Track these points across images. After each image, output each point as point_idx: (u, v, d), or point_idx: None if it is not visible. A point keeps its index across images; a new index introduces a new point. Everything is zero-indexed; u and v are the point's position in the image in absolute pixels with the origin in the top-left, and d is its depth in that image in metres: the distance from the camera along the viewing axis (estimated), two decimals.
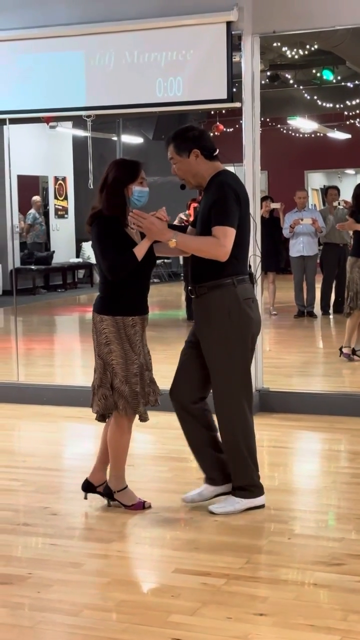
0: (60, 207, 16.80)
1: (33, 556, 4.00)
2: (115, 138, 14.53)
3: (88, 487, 4.64)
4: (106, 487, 4.60)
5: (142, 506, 4.54)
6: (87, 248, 16.52)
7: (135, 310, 4.46)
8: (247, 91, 6.53)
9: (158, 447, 5.89)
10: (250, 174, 6.51)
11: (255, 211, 6.37)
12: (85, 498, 4.62)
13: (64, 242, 16.71)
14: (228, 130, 14.41)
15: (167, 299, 15.38)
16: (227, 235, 4.25)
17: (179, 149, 4.41)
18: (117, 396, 4.40)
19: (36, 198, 16.05)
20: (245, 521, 4.36)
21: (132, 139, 16.81)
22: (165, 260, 16.40)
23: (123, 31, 6.66)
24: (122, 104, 6.86)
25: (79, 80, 6.83)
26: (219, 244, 4.25)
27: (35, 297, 14.66)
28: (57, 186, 16.74)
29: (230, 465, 4.52)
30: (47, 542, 4.15)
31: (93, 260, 16.35)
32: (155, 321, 12.63)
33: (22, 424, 6.64)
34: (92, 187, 8.07)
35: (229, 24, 6.39)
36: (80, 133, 14.16)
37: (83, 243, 16.56)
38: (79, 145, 14.67)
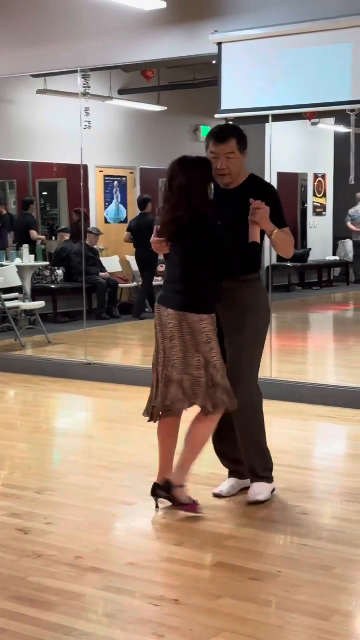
0: (318, 205, 16.66)
1: (283, 555, 3.96)
2: None
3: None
4: (166, 482, 4.48)
5: (195, 508, 4.42)
6: (344, 246, 16.28)
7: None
8: None
9: None
10: None
11: None
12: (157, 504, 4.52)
13: (321, 239, 16.57)
14: None
15: None
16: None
17: (242, 146, 4.45)
18: (221, 391, 4.38)
19: None
20: None
21: None
22: None
23: None
24: None
25: (344, 73, 6.71)
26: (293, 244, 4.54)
27: (290, 294, 14.64)
28: (316, 183, 16.62)
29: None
30: (297, 541, 4.09)
31: (349, 259, 16.13)
32: None
33: (274, 420, 6.61)
34: (353, 182, 7.92)
35: None
36: (342, 129, 13.97)
37: (340, 241, 16.34)
38: (340, 142, 14.46)
